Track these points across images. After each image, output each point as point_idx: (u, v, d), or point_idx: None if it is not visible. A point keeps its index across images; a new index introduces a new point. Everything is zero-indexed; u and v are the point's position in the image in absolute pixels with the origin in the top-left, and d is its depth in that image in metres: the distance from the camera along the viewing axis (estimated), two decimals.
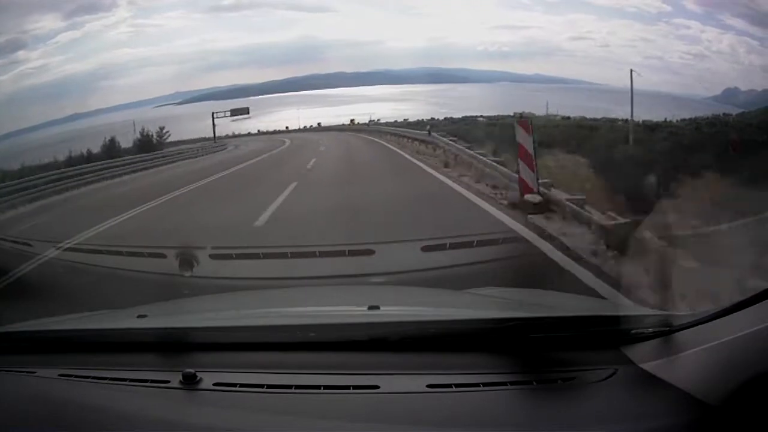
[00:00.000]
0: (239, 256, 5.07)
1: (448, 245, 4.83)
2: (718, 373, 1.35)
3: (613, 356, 1.61)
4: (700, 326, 1.50)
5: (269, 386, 1.59)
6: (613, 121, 16.95)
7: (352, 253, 4.84)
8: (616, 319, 1.75)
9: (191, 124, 23.69)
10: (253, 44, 24.93)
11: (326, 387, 1.56)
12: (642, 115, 15.63)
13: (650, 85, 17.67)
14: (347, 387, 1.56)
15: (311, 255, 5.11)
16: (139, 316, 2.17)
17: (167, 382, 1.63)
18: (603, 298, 3.30)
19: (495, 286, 3.11)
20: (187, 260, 3.95)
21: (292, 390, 1.56)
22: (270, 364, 1.71)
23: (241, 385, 1.60)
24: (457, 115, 19.64)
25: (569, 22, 20.12)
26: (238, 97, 23.26)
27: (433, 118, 20.08)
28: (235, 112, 21.93)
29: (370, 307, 2.01)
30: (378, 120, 21.94)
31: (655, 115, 15.77)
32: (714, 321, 1.46)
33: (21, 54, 25.81)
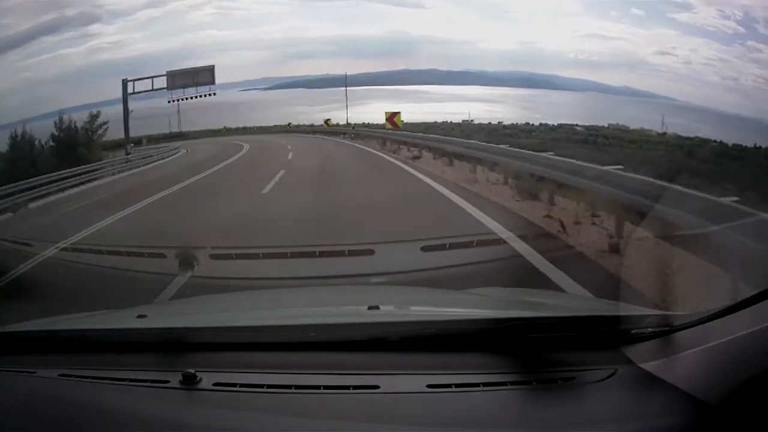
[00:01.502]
0: (239, 256, 5.07)
1: (448, 245, 4.84)
2: (718, 373, 1.35)
3: (613, 356, 1.61)
4: (700, 326, 1.50)
5: (269, 386, 1.59)
6: (706, 142, 15.76)
7: (352, 253, 4.84)
8: (616, 319, 1.75)
9: (276, 111, 23.75)
10: (345, 35, 24.22)
11: (326, 387, 1.56)
12: (729, 137, 14.98)
13: (726, 106, 17.12)
14: (347, 387, 1.56)
15: (311, 255, 5.11)
16: (139, 316, 2.17)
17: (167, 382, 1.63)
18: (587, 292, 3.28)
19: (495, 286, 3.12)
20: (186, 260, 3.95)
21: (292, 390, 1.56)
22: (270, 364, 1.71)
23: (241, 385, 1.60)
24: (551, 122, 18.99)
25: (654, 36, 19.81)
26: (330, 87, 22.92)
27: (528, 123, 19.31)
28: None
29: (370, 307, 2.01)
30: (471, 120, 20.20)
31: (737, 138, 15.28)
32: (714, 321, 1.46)
33: (95, 28, 25.42)
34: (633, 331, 1.66)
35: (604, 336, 1.70)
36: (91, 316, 2.63)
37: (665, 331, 1.59)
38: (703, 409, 1.32)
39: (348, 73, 22.03)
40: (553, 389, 1.53)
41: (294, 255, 5.07)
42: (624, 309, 1.98)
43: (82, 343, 1.98)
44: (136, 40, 24.75)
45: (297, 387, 1.57)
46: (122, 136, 20.47)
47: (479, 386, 1.52)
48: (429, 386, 1.53)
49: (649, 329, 1.63)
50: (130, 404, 1.60)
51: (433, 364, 1.64)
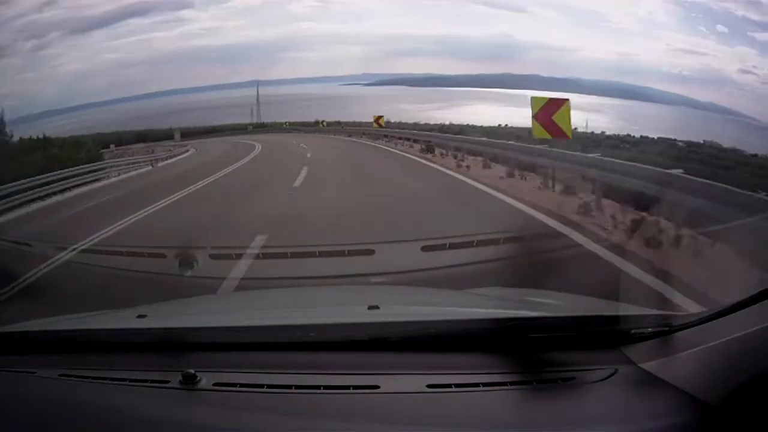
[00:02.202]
0: (239, 256, 5.07)
1: (448, 245, 4.83)
2: (718, 373, 1.35)
3: (613, 356, 1.61)
4: (700, 326, 1.51)
5: (269, 386, 1.59)
6: None
7: (352, 253, 4.84)
8: (616, 319, 1.75)
9: (378, 107, 22.84)
10: (449, 35, 24.04)
11: (326, 387, 1.56)
12: None
13: None
14: (347, 387, 1.56)
15: (311, 255, 5.11)
16: (139, 317, 2.17)
17: (167, 382, 1.63)
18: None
19: (495, 286, 3.11)
20: (186, 260, 3.95)
21: (292, 390, 1.56)
22: (270, 364, 1.71)
23: (241, 385, 1.60)
24: (651, 134, 18.26)
25: (737, 54, 19.36)
26: (431, 86, 22.70)
27: (629, 135, 18.54)
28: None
29: (370, 307, 2.01)
30: (575, 128, 19.15)
31: None
32: (714, 321, 1.46)
33: (186, 13, 26.07)
34: (633, 331, 1.66)
35: (604, 336, 1.70)
36: (91, 316, 2.63)
37: (665, 331, 1.60)
38: (703, 409, 1.32)
39: (451, 73, 21.83)
40: (553, 389, 1.53)
41: (294, 255, 5.07)
42: (624, 309, 1.98)
43: (82, 343, 1.98)
44: (232, 28, 25.21)
45: (297, 387, 1.57)
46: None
47: (479, 386, 1.52)
48: (429, 386, 1.53)
49: (649, 329, 1.63)
50: (130, 404, 1.60)
51: (433, 364, 1.64)
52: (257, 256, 5.11)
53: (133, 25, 24.20)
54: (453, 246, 4.82)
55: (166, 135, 23.64)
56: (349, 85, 23.97)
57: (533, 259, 4.01)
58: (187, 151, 21.57)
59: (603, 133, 18.68)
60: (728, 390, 1.29)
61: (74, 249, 6.20)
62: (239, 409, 1.52)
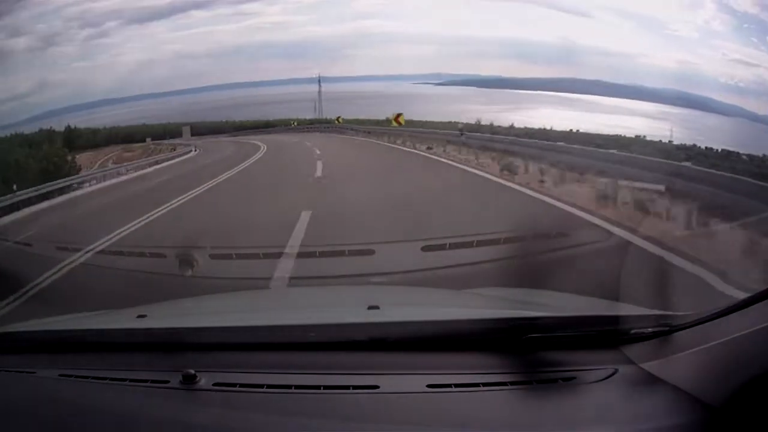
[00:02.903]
0: (239, 256, 5.07)
1: (448, 245, 4.83)
2: (718, 374, 1.35)
3: (613, 356, 1.61)
4: (700, 326, 1.51)
5: (269, 386, 1.59)
6: None
7: (352, 253, 4.84)
8: (616, 319, 1.75)
9: (447, 107, 22.74)
10: (514, 37, 23.61)
11: (326, 387, 1.56)
12: None
13: None
14: (347, 387, 1.56)
15: (311, 255, 5.11)
16: (139, 316, 2.17)
17: (167, 382, 1.63)
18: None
19: (495, 286, 3.11)
20: (186, 260, 3.95)
21: (292, 390, 1.56)
22: (270, 364, 1.71)
23: (241, 385, 1.60)
24: (715, 146, 17.18)
25: None
26: (499, 88, 22.35)
27: (695, 146, 17.92)
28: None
29: (370, 307, 2.01)
30: (644, 136, 17.17)
31: None
32: (714, 321, 1.46)
33: (252, 6, 25.71)
34: (633, 331, 1.66)
35: (604, 336, 1.70)
36: (91, 316, 2.63)
37: (665, 331, 1.60)
38: (703, 410, 1.32)
39: (518, 76, 21.23)
40: (553, 389, 1.53)
41: (294, 255, 5.07)
42: (624, 309, 1.98)
43: (82, 343, 1.98)
44: (298, 23, 24.50)
45: (297, 387, 1.57)
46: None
47: (479, 386, 1.52)
48: (429, 386, 1.53)
49: (650, 329, 1.63)
50: (130, 404, 1.60)
51: (433, 364, 1.64)
52: (258, 256, 5.11)
53: (196, 17, 24.29)
54: (453, 246, 4.82)
55: (217, 129, 23.88)
56: (419, 84, 23.70)
57: (543, 259, 3.96)
58: (184, 154, 21.04)
59: (670, 141, 17.59)
60: (728, 390, 1.29)
61: None
62: (239, 409, 1.51)
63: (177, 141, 22.19)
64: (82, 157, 20.51)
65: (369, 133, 20.60)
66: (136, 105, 22.25)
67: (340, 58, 24.36)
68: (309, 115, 23.15)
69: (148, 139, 22.01)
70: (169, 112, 23.27)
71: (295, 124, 23.94)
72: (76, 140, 20.95)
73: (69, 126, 21.02)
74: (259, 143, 20.47)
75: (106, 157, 21.50)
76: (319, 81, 21.03)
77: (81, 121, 21.51)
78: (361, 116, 22.75)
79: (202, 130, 23.48)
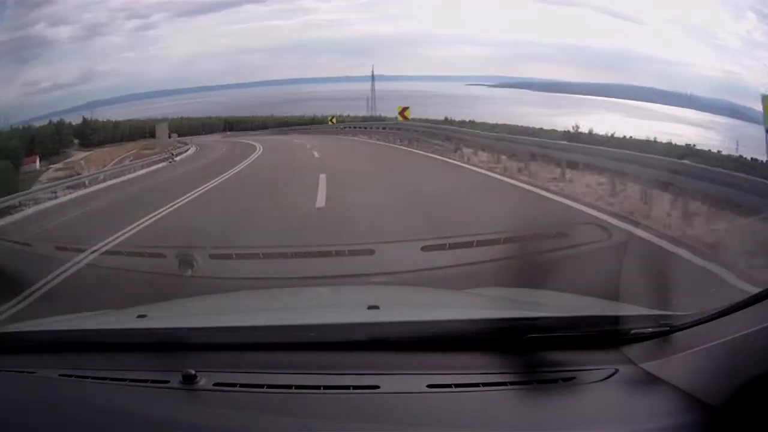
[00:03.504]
0: (239, 256, 5.07)
1: (448, 245, 4.83)
2: (718, 374, 1.35)
3: (613, 356, 1.61)
4: (700, 326, 1.51)
5: (269, 386, 1.59)
6: None
7: (352, 253, 4.84)
8: (615, 319, 1.75)
9: (502, 109, 22.28)
10: (571, 43, 23.29)
11: (326, 387, 1.56)
12: None
13: None
14: (347, 387, 1.56)
15: (311, 255, 5.11)
16: (139, 317, 2.17)
17: (167, 382, 1.63)
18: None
19: (495, 286, 3.11)
20: (186, 260, 3.95)
21: (292, 390, 1.56)
22: (270, 364, 1.71)
23: (241, 385, 1.60)
24: (760, 158, 18.12)
25: None
26: (553, 92, 22.19)
27: (741, 156, 17.95)
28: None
29: (370, 307, 2.01)
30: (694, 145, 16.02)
31: None
32: (714, 321, 1.46)
33: (307, 3, 26.14)
34: (633, 331, 1.66)
35: (604, 336, 1.70)
36: (91, 316, 2.63)
37: (665, 331, 1.60)
38: (704, 410, 1.32)
39: (573, 81, 20.95)
40: (553, 389, 1.53)
41: (294, 255, 5.07)
42: (624, 309, 1.98)
43: (82, 343, 1.98)
44: (354, 20, 25.01)
45: (297, 387, 1.57)
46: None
47: (479, 386, 1.52)
48: (429, 386, 1.53)
49: (649, 329, 1.63)
50: (130, 404, 1.60)
51: (433, 364, 1.64)
52: (258, 256, 5.11)
53: (250, 11, 24.54)
54: (453, 246, 4.81)
55: (261, 125, 23.67)
56: (473, 85, 23.49)
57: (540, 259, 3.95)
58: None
59: (719, 152, 17.24)
60: (728, 390, 1.29)
61: None
62: (239, 409, 1.51)
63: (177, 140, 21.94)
64: (93, 155, 19.67)
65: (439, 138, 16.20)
66: (187, 98, 22.33)
67: (395, 56, 24.21)
68: (363, 113, 22.81)
69: (174, 135, 21.79)
70: (222, 106, 23.29)
71: (333, 121, 22.93)
72: (92, 135, 20.24)
73: (85, 119, 20.38)
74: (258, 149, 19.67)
75: (126, 153, 20.70)
76: (372, 77, 20.75)
77: (128, 113, 21.51)
78: (423, 116, 21.83)
79: (238, 126, 23.36)
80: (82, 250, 6.21)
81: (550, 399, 1.51)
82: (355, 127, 22.09)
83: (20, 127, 18.32)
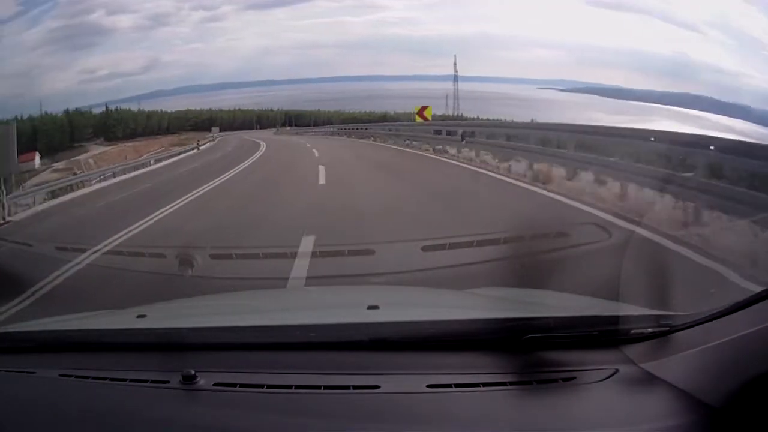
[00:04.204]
0: (239, 256, 5.07)
1: (448, 245, 4.83)
2: (718, 374, 1.35)
3: (613, 356, 1.61)
4: (700, 326, 1.51)
5: (269, 386, 1.59)
6: None
7: (352, 253, 4.84)
8: (616, 319, 1.75)
9: (571, 113, 22.11)
10: (632, 48, 23.43)
11: (326, 387, 1.56)
12: None
13: None
14: (347, 387, 1.56)
15: (311, 255, 5.11)
16: (139, 317, 2.17)
17: (167, 382, 1.63)
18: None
19: (495, 286, 3.11)
20: (186, 260, 3.95)
21: (292, 390, 1.56)
22: (270, 364, 1.71)
23: (241, 385, 1.60)
24: None
25: None
26: (619, 98, 22.03)
27: None
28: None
29: (370, 307, 2.01)
30: None
31: None
32: (714, 321, 1.46)
33: (380, 1, 26.25)
34: (633, 331, 1.66)
35: (604, 336, 1.70)
36: (91, 317, 2.63)
37: (665, 331, 1.60)
38: (703, 410, 1.32)
39: (637, 88, 20.72)
40: (553, 389, 1.53)
41: (294, 255, 5.07)
42: (624, 309, 1.98)
43: (82, 343, 1.98)
44: (427, 20, 24.99)
45: (297, 387, 1.57)
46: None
47: (479, 386, 1.52)
48: (429, 386, 1.53)
49: (649, 329, 1.63)
50: (130, 404, 1.60)
51: (433, 364, 1.64)
52: (258, 256, 5.11)
53: (321, 6, 24.67)
54: (453, 246, 4.82)
55: (325, 121, 23.45)
56: (544, 89, 23.34)
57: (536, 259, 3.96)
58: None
59: None
60: (729, 390, 1.29)
61: None
62: (239, 409, 1.51)
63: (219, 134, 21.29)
64: (111, 151, 18.15)
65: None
66: (255, 91, 22.43)
67: (470, 57, 23.90)
68: (440, 111, 22.18)
69: (213, 129, 21.51)
70: (282, 100, 23.32)
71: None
72: (115, 127, 18.56)
73: (108, 109, 19.09)
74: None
75: (159, 148, 19.75)
76: (456, 77, 20.39)
77: (191, 104, 21.46)
78: (495, 117, 21.74)
79: (300, 120, 23.15)
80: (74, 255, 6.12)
81: (550, 399, 1.51)
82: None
83: (21, 117, 16.97)
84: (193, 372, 1.60)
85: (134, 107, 19.97)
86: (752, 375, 1.26)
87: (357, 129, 22.75)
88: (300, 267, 4.76)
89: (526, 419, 1.47)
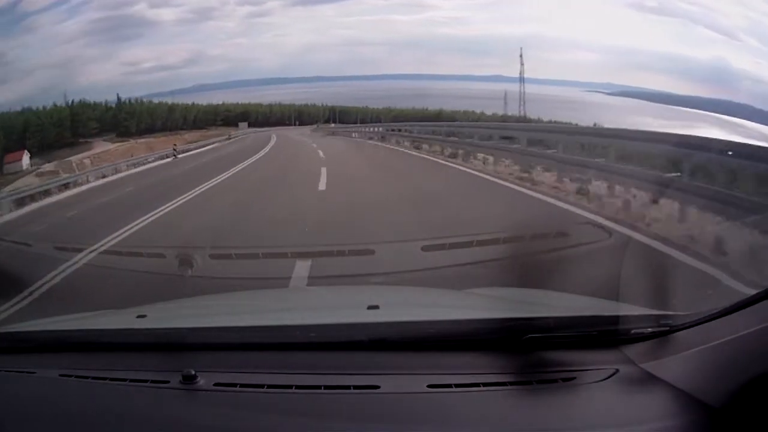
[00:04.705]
0: (239, 256, 5.07)
1: (447, 245, 4.83)
2: (718, 374, 1.35)
3: (613, 356, 1.61)
4: (700, 326, 1.51)
5: (269, 386, 1.59)
6: None
7: (352, 253, 4.84)
8: (616, 319, 1.75)
9: (620, 118, 21.57)
10: (674, 53, 22.52)
11: (326, 387, 1.56)
12: None
13: None
14: (347, 387, 1.56)
15: (311, 255, 5.11)
16: (139, 317, 2.17)
17: (167, 382, 1.63)
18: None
19: (495, 286, 3.11)
20: (186, 260, 3.95)
21: (292, 390, 1.56)
22: (270, 364, 1.71)
23: (241, 385, 1.60)
24: None
25: None
26: (664, 103, 21.51)
27: None
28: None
29: (370, 307, 2.01)
30: None
31: None
32: (714, 321, 1.46)
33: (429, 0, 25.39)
34: (633, 331, 1.66)
35: (604, 336, 1.70)
36: (91, 316, 2.63)
37: (665, 331, 1.60)
38: (703, 410, 1.32)
39: (681, 93, 20.17)
40: (553, 389, 1.53)
41: (294, 255, 5.07)
42: (624, 309, 1.98)
43: (82, 343, 1.98)
44: (476, 20, 24.18)
45: (297, 387, 1.57)
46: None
47: (479, 386, 1.52)
48: (429, 386, 1.53)
49: (649, 329, 1.63)
50: (130, 404, 1.60)
51: (433, 364, 1.64)
52: (258, 256, 5.11)
53: (369, 3, 24.24)
54: (453, 246, 4.82)
55: (371, 119, 23.10)
56: (591, 92, 22.88)
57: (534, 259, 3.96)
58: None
59: None
60: (728, 390, 1.29)
61: None
62: (239, 409, 1.51)
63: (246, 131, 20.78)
64: (116, 149, 16.14)
65: None
66: (302, 87, 22.26)
67: (513, 58, 23.17)
68: (493, 111, 21.62)
69: (241, 124, 21.32)
70: (328, 97, 23.15)
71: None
72: (127, 122, 16.44)
73: (120, 101, 17.14)
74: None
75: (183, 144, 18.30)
76: (522, 79, 19.70)
77: (235, 98, 21.31)
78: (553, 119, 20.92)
79: (346, 117, 22.82)
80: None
81: (550, 399, 1.51)
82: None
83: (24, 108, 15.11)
84: (193, 372, 1.60)
85: (178, 100, 19.89)
86: (752, 375, 1.26)
87: (397, 130, 20.38)
88: (301, 267, 4.76)
89: (526, 419, 1.47)
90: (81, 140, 16.42)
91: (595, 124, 17.17)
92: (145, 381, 1.67)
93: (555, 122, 19.12)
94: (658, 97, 22.34)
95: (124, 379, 1.70)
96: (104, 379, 1.72)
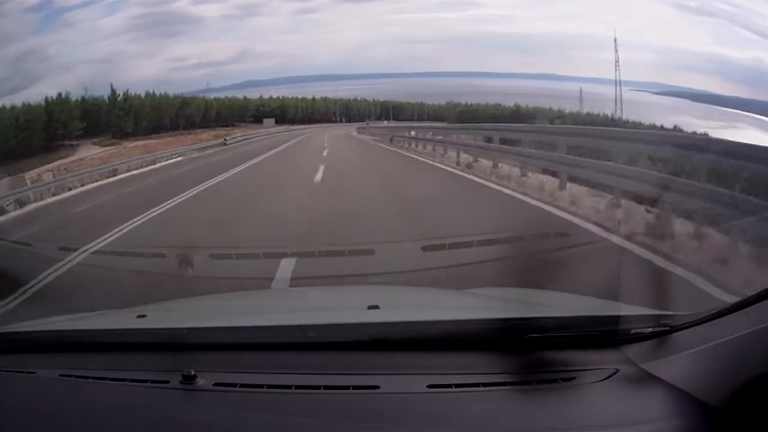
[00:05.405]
0: (239, 256, 5.07)
1: (447, 245, 4.84)
2: (718, 374, 1.35)
3: (613, 356, 1.61)
4: (700, 326, 1.51)
5: (269, 386, 1.59)
6: None
7: (352, 253, 4.84)
8: (615, 319, 1.75)
9: (667, 118, 20.94)
10: (716, 53, 21.82)
11: (326, 387, 1.56)
12: None
13: None
14: (347, 387, 1.56)
15: (311, 255, 5.11)
16: (139, 316, 2.17)
17: (167, 382, 1.63)
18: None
19: (495, 286, 3.11)
20: (186, 260, 3.95)
21: (292, 390, 1.56)
22: (270, 364, 1.71)
23: (241, 385, 1.60)
24: None
25: None
26: (706, 103, 20.94)
27: None
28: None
29: (370, 307, 2.01)
30: None
31: None
32: (714, 321, 1.46)
33: None
34: (633, 331, 1.66)
35: (604, 336, 1.69)
36: (91, 316, 2.63)
37: (665, 331, 1.60)
38: (703, 410, 1.32)
39: (723, 93, 20.01)
40: (553, 389, 1.53)
41: (294, 255, 5.07)
42: (624, 309, 1.98)
43: (82, 343, 1.98)
44: (523, 18, 24.00)
45: (297, 387, 1.57)
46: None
47: (479, 386, 1.52)
48: (429, 386, 1.53)
49: (649, 329, 1.63)
50: (130, 404, 1.60)
51: (433, 364, 1.64)
52: (258, 256, 5.11)
53: (418, 1, 23.79)
54: (453, 246, 4.82)
55: (429, 116, 22.52)
56: (637, 91, 22.19)
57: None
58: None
59: None
60: (728, 390, 1.29)
61: None
62: (239, 409, 1.51)
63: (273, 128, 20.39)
64: (100, 155, 13.55)
65: None
66: (355, 83, 22.09)
67: (566, 57, 23.15)
68: (571, 108, 20.68)
69: (266, 121, 20.92)
70: (381, 94, 22.96)
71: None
72: (123, 119, 13.73)
73: (114, 94, 14.34)
74: None
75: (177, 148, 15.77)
76: (618, 81, 18.97)
77: (286, 95, 21.14)
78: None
79: (401, 114, 22.46)
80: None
81: (550, 399, 1.51)
82: None
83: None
84: (193, 372, 1.60)
85: (229, 95, 19.75)
86: (752, 375, 1.26)
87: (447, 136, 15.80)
88: (299, 266, 4.76)
89: (526, 419, 1.47)
90: (66, 143, 14.01)
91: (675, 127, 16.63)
92: (145, 381, 1.67)
93: (659, 128, 17.69)
94: (701, 96, 22.23)
95: (124, 379, 1.70)
96: (104, 379, 1.72)
